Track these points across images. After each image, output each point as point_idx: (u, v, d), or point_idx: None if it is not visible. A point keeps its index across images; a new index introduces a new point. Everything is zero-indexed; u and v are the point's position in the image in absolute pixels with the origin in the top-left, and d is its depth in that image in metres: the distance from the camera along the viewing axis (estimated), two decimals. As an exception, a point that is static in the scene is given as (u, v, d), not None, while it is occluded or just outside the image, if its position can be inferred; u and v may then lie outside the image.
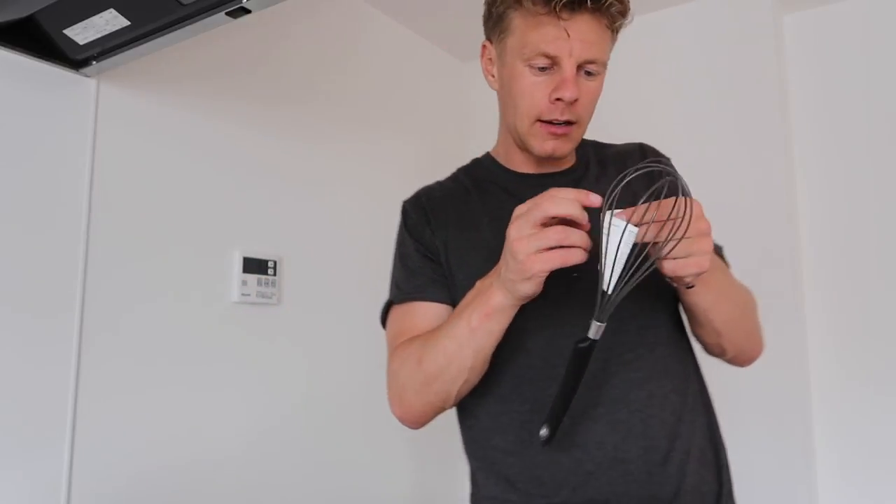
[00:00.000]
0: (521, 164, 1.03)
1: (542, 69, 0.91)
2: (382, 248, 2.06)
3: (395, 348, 0.99)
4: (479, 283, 0.87)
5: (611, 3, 0.88)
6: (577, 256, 0.74)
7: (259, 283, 1.68)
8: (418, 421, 0.97)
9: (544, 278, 0.76)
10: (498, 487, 0.96)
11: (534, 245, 0.74)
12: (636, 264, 0.72)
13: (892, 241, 1.99)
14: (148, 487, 1.43)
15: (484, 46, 1.01)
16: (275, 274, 1.72)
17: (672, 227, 0.71)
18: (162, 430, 1.47)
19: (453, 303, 0.97)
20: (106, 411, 1.37)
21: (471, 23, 2.57)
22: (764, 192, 2.04)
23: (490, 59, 1.01)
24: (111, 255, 1.41)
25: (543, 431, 0.79)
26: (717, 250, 0.97)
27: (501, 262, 0.80)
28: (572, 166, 1.03)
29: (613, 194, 0.72)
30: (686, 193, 0.73)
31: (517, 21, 0.92)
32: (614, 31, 0.93)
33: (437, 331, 0.90)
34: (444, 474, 2.27)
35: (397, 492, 2.05)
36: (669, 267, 0.75)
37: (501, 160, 1.07)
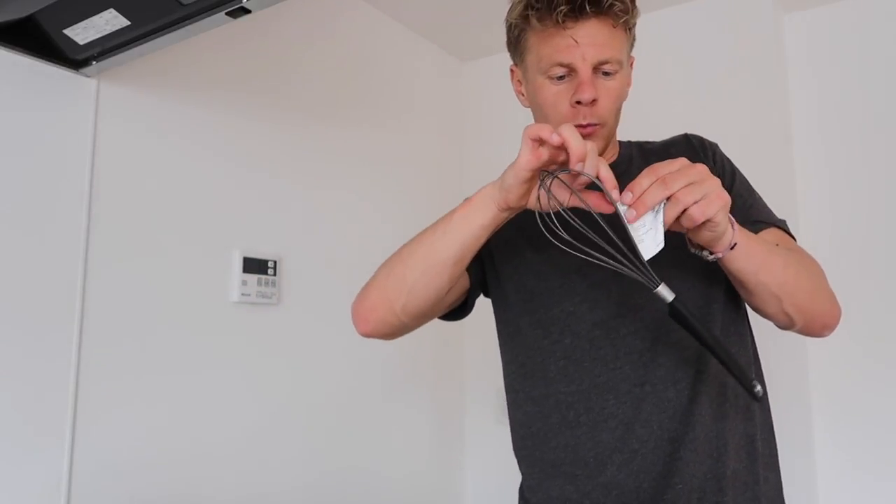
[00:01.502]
0: None
1: (561, 78, 0.95)
2: (383, 248, 2.06)
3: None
4: (474, 195, 0.90)
5: (610, 4, 0.91)
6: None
7: (259, 283, 1.68)
8: (367, 317, 0.99)
9: (525, 179, 0.80)
10: (542, 474, 0.98)
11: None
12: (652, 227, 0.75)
13: (892, 240, 1.99)
14: (148, 487, 1.43)
15: (512, 71, 1.06)
16: (275, 274, 1.72)
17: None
18: (162, 430, 1.47)
19: (484, 285, 1.06)
20: (106, 411, 1.37)
21: (471, 23, 2.58)
22: (764, 191, 2.03)
23: (518, 80, 1.05)
24: (111, 254, 1.41)
25: (758, 389, 0.78)
26: (779, 224, 1.00)
27: (502, 175, 0.84)
28: (615, 161, 1.05)
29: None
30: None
31: (532, 39, 0.97)
32: (627, 28, 0.96)
33: (415, 238, 0.96)
34: (444, 475, 2.27)
35: (398, 491, 2.05)
36: (695, 214, 0.74)
37: None
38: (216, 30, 1.20)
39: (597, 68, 0.94)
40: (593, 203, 0.78)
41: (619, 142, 1.08)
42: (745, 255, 0.83)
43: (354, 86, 2.06)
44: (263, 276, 1.69)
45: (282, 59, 1.84)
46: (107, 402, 1.38)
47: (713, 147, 1.08)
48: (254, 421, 1.66)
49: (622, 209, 0.75)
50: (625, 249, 0.76)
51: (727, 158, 1.08)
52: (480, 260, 1.02)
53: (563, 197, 0.80)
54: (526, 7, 0.95)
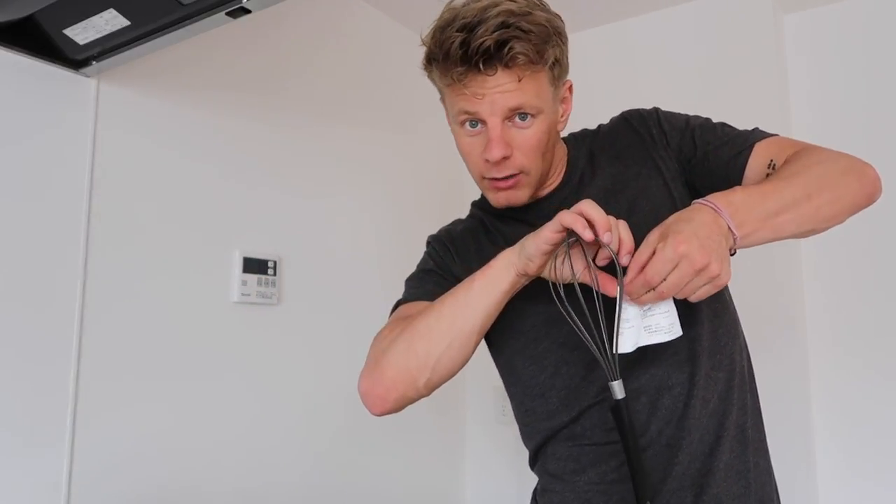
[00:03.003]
0: None
1: (473, 126, 0.91)
2: (383, 248, 2.07)
3: (384, 326, 1.00)
4: (493, 260, 0.89)
5: (512, 56, 0.84)
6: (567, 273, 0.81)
7: (259, 283, 1.68)
8: (385, 397, 0.91)
9: (545, 252, 0.81)
10: (544, 482, 1.02)
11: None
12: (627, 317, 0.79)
13: (892, 240, 1.99)
14: (148, 487, 1.43)
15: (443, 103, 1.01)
16: (275, 274, 1.72)
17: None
18: (162, 430, 1.47)
19: None
20: (106, 411, 1.37)
21: (471, 23, 2.54)
22: (764, 192, 2.04)
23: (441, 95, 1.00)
24: (111, 254, 1.41)
25: None
26: (758, 138, 0.95)
27: (522, 242, 0.85)
28: (560, 182, 1.02)
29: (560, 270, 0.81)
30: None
31: (441, 86, 0.93)
32: (549, 68, 0.88)
33: (440, 301, 0.91)
34: (445, 475, 2.27)
35: (398, 492, 2.05)
36: (693, 299, 0.77)
37: None
38: (216, 30, 1.20)
39: (509, 117, 0.88)
40: (601, 281, 0.80)
41: (567, 145, 1.05)
42: (753, 242, 0.82)
43: (355, 87, 2.06)
44: (263, 276, 1.69)
45: (282, 60, 1.84)
46: (107, 402, 1.38)
47: (653, 117, 1.02)
48: (254, 421, 1.66)
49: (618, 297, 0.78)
50: (603, 337, 0.78)
51: (672, 117, 1.03)
52: None
53: (578, 267, 0.82)
54: (428, 59, 0.91)
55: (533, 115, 0.89)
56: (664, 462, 0.90)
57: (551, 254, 0.82)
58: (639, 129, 1.01)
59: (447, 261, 1.05)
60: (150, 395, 1.45)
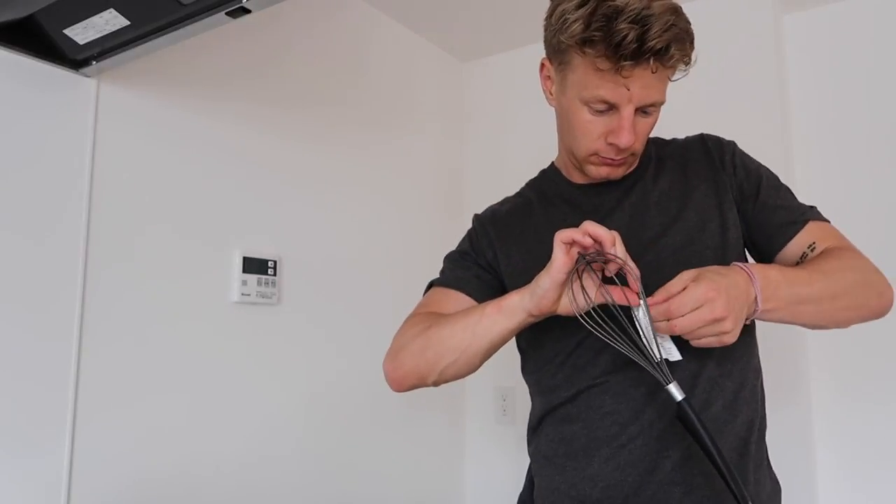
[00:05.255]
0: (579, 177, 1.07)
1: (600, 111, 0.93)
2: (383, 248, 2.07)
3: (413, 314, 1.08)
4: (504, 297, 0.94)
5: (672, 56, 0.90)
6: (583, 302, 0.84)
7: (259, 283, 1.68)
8: (401, 382, 1.03)
9: (560, 282, 0.84)
10: (538, 465, 1.05)
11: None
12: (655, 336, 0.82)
13: (892, 240, 1.99)
14: (148, 487, 1.43)
15: (543, 65, 1.02)
16: (275, 274, 1.72)
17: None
18: (162, 430, 1.47)
19: (491, 297, 1.04)
20: (106, 411, 1.37)
21: (471, 23, 2.58)
22: (764, 192, 2.04)
23: (549, 77, 1.02)
24: (111, 254, 1.41)
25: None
26: (811, 217, 1.00)
27: (533, 281, 0.88)
28: (631, 171, 1.06)
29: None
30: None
31: (579, 64, 0.92)
32: (685, 68, 0.97)
33: (456, 315, 0.98)
34: (446, 474, 2.27)
35: (399, 492, 2.05)
36: (696, 344, 0.81)
37: (563, 172, 1.11)
38: (216, 30, 1.20)
39: (639, 109, 0.93)
40: (616, 297, 0.83)
41: None
42: (769, 318, 0.87)
43: (355, 86, 2.06)
44: (263, 276, 1.69)
45: (282, 59, 1.84)
46: (107, 401, 1.38)
47: (730, 148, 1.07)
48: (253, 420, 1.66)
49: (643, 307, 0.81)
50: (646, 345, 0.81)
51: (747, 157, 1.07)
52: (487, 288, 1.08)
53: (591, 291, 0.85)
54: (584, 37, 0.88)
55: (655, 108, 0.95)
56: (653, 454, 0.91)
57: (566, 283, 0.85)
58: (711, 151, 1.05)
59: (483, 245, 1.10)
60: (151, 394, 1.45)
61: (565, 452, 0.97)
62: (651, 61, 0.87)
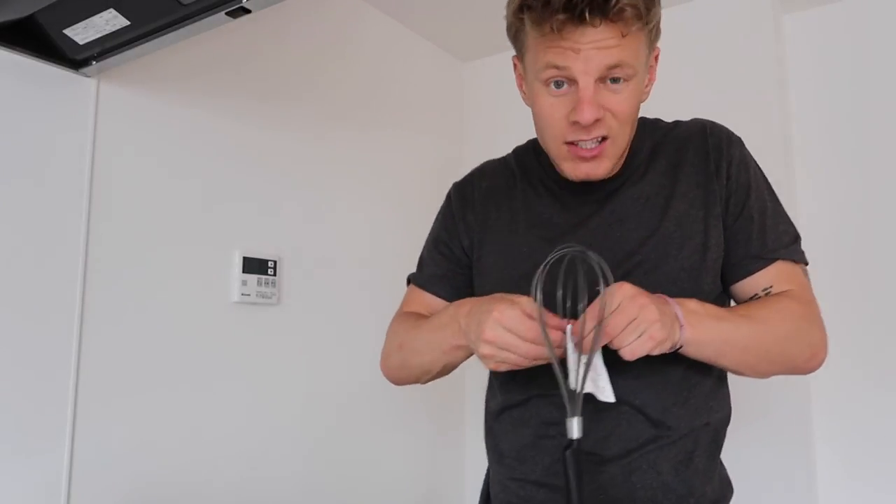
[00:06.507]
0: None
1: (559, 86, 0.84)
2: (382, 248, 2.07)
3: (399, 313, 1.08)
4: (457, 309, 0.88)
5: (620, 8, 0.78)
6: (512, 365, 0.80)
7: (259, 283, 1.68)
8: (395, 383, 1.07)
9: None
10: (490, 461, 1.03)
11: (496, 344, 0.79)
12: (588, 368, 0.78)
13: (892, 240, 1.99)
14: (148, 487, 1.43)
15: (514, 64, 0.95)
16: (275, 274, 1.72)
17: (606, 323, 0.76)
18: (162, 430, 1.47)
19: (460, 296, 1.00)
20: (106, 411, 1.37)
21: (471, 23, 2.58)
22: (764, 192, 2.04)
23: (520, 74, 0.95)
24: (111, 254, 1.41)
25: None
26: (783, 256, 0.91)
27: (476, 311, 0.83)
28: (615, 174, 0.95)
29: (537, 288, 0.77)
30: (606, 277, 0.75)
31: (529, 39, 0.85)
32: (649, 29, 0.83)
33: (423, 326, 0.97)
34: (446, 473, 2.27)
35: (399, 491, 2.05)
36: (626, 354, 0.76)
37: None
38: (216, 30, 1.20)
39: (603, 77, 0.82)
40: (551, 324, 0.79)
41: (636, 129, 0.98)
42: (696, 351, 0.83)
43: (354, 86, 2.06)
44: (263, 276, 1.69)
45: (281, 60, 1.84)
46: (107, 401, 1.38)
47: (730, 153, 0.94)
48: (253, 420, 1.66)
49: (571, 341, 0.78)
50: (573, 371, 0.78)
51: (744, 166, 0.95)
52: (454, 280, 1.05)
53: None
54: (521, 6, 0.83)
55: (626, 80, 0.83)
56: (594, 465, 0.88)
57: None
58: (710, 153, 0.94)
59: (459, 230, 1.04)
60: (150, 394, 1.45)
61: (515, 455, 0.96)
62: (587, 14, 0.77)
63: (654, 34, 0.86)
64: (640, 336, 0.75)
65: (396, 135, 2.21)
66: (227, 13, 1.11)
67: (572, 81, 0.83)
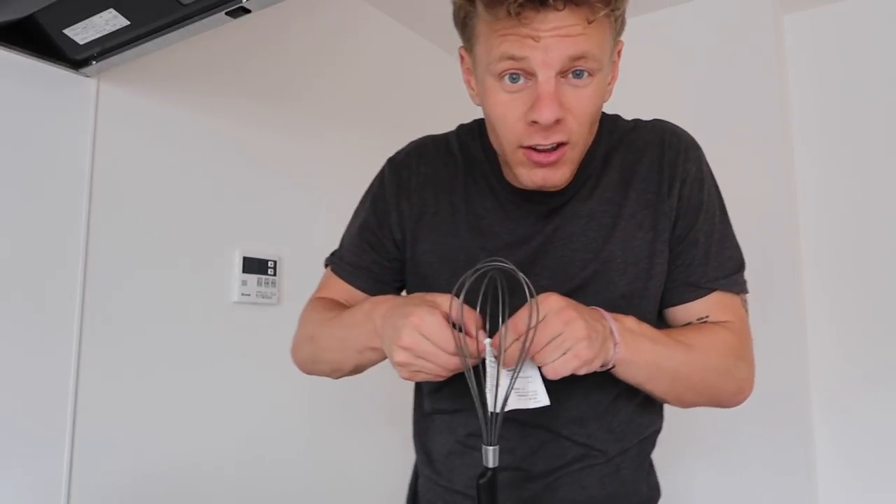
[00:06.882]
0: (512, 176, 0.88)
1: (515, 80, 0.74)
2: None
3: (314, 298, 1.05)
4: (374, 308, 0.81)
5: None
6: (429, 375, 0.72)
7: (259, 283, 1.68)
8: (306, 373, 1.04)
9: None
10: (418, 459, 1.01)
11: (411, 353, 0.71)
12: (514, 380, 0.70)
13: (892, 241, 1.99)
14: (148, 487, 1.43)
15: (461, 56, 0.85)
16: (275, 274, 1.72)
17: (530, 337, 0.68)
18: (162, 430, 1.47)
19: (384, 290, 0.98)
20: (106, 411, 1.37)
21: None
22: (764, 192, 2.04)
23: (469, 68, 0.84)
24: (111, 254, 1.41)
25: None
26: (722, 287, 0.86)
27: (393, 314, 0.75)
28: (577, 178, 0.87)
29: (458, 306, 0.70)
30: (531, 290, 0.68)
31: (480, 25, 0.76)
32: (615, 16, 0.74)
33: (336, 321, 0.91)
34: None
35: (399, 489, 2.05)
36: (548, 372, 0.70)
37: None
38: (216, 30, 1.20)
39: (565, 73, 0.73)
40: (470, 341, 0.71)
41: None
42: (625, 373, 0.77)
43: (354, 85, 2.06)
44: (263, 276, 1.69)
45: (281, 59, 1.84)
46: (107, 402, 1.38)
47: (685, 171, 0.86)
48: (253, 420, 1.66)
49: (491, 359, 0.71)
50: (489, 394, 0.70)
51: (698, 185, 0.87)
52: (377, 273, 1.00)
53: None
54: None
55: (591, 74, 0.74)
56: (520, 480, 0.86)
57: None
58: (665, 169, 0.86)
59: (392, 220, 0.97)
60: (150, 394, 1.45)
61: (443, 461, 0.93)
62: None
63: (619, 24, 0.77)
64: (564, 353, 0.68)
65: (396, 134, 2.21)
66: (226, 13, 1.11)
67: (530, 75, 0.73)
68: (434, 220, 0.93)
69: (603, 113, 0.88)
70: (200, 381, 1.55)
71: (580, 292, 0.83)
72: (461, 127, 1.00)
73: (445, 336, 0.69)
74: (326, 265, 1.07)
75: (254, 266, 1.67)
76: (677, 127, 0.91)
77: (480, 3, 0.72)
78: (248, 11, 1.11)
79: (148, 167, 1.49)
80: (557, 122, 0.74)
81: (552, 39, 0.70)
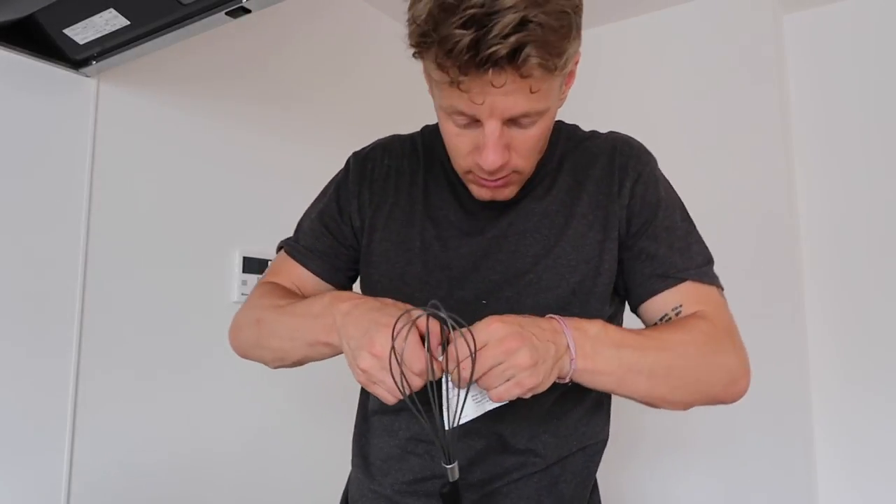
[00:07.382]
0: None
1: (464, 125, 0.78)
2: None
3: (263, 283, 1.02)
4: (335, 303, 0.80)
5: (525, 57, 0.68)
6: (386, 395, 0.71)
7: (259, 283, 1.68)
8: (242, 356, 1.01)
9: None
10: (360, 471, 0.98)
11: (375, 365, 0.70)
12: (462, 405, 0.71)
13: (892, 242, 1.99)
14: (148, 487, 1.43)
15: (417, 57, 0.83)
16: (275, 274, 1.72)
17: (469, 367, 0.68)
18: (162, 430, 1.47)
19: (337, 281, 0.99)
20: (106, 411, 1.38)
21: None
22: (763, 192, 2.05)
23: (427, 74, 0.83)
24: (111, 254, 1.41)
25: None
26: (692, 277, 0.85)
27: (362, 317, 0.74)
28: (524, 186, 0.90)
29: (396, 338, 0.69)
30: (458, 324, 0.67)
31: (431, 70, 0.77)
32: (560, 73, 0.74)
33: (289, 308, 0.89)
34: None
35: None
36: (493, 397, 0.69)
37: None
38: (216, 30, 1.20)
39: (511, 120, 0.76)
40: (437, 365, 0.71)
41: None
42: (591, 381, 0.76)
43: (355, 86, 2.06)
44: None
45: (282, 60, 1.84)
46: (107, 402, 1.38)
47: (636, 172, 0.89)
48: (254, 420, 1.66)
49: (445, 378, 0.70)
50: (442, 414, 0.70)
51: (653, 186, 0.89)
52: (336, 262, 0.99)
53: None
54: (419, 41, 0.74)
55: (536, 121, 0.78)
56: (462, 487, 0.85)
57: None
58: (615, 173, 0.89)
59: (352, 208, 0.99)
60: (150, 395, 1.45)
61: (380, 465, 0.92)
62: (490, 73, 0.69)
63: (570, 66, 0.77)
64: (507, 381, 0.68)
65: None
66: (227, 13, 1.11)
67: (477, 121, 0.77)
68: (393, 211, 0.95)
69: (561, 121, 0.92)
70: (200, 380, 1.55)
71: (531, 287, 0.85)
72: (426, 127, 1.04)
73: (417, 357, 0.68)
74: (279, 249, 1.07)
75: (254, 266, 1.67)
76: (631, 137, 0.94)
77: (428, 57, 0.74)
78: (248, 11, 1.11)
79: (148, 167, 1.49)
80: (499, 166, 0.78)
81: (497, 98, 0.73)
